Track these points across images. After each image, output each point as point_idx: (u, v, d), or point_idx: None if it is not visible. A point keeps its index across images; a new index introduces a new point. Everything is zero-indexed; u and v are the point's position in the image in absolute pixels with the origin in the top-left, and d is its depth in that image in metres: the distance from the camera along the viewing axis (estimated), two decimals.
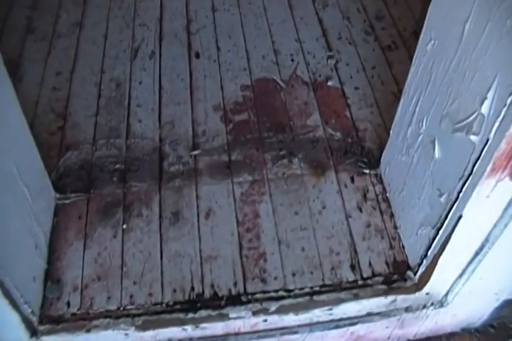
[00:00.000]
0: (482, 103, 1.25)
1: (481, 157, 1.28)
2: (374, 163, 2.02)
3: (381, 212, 1.90)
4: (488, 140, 1.25)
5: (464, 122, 1.34)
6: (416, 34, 2.47)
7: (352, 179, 1.98)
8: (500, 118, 1.20)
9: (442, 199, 1.48)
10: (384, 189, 1.95)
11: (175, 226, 1.84)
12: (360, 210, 1.90)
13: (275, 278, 1.74)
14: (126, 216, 1.87)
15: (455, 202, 1.42)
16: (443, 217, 1.49)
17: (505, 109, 1.17)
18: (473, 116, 1.30)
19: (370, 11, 2.65)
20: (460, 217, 1.40)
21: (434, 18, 1.47)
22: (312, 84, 2.30)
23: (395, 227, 1.86)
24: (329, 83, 2.30)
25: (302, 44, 2.47)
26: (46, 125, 2.14)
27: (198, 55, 2.41)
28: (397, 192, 1.85)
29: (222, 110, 2.19)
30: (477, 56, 1.27)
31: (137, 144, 2.07)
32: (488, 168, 1.26)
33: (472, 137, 1.30)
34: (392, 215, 1.88)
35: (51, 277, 1.73)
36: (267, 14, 2.62)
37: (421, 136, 1.60)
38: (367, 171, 2.00)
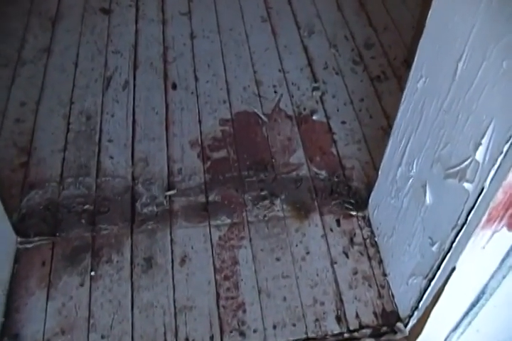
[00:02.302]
0: (476, 149, 1.24)
1: (476, 206, 1.26)
2: (362, 204, 2.00)
3: (369, 258, 1.88)
4: (483, 188, 1.23)
5: (457, 168, 1.33)
6: (407, 63, 2.49)
7: (338, 222, 1.97)
8: (496, 167, 1.18)
9: (434, 248, 1.46)
10: (372, 232, 1.93)
11: (147, 274, 1.81)
12: (347, 256, 1.88)
13: (254, 331, 1.71)
14: (95, 262, 1.83)
15: (448, 252, 1.40)
16: (435, 267, 1.47)
17: (501, 156, 1.16)
18: (467, 162, 1.28)
19: (359, 39, 2.67)
20: (454, 269, 1.38)
21: (425, 54, 1.47)
22: (296, 118, 2.29)
23: (384, 274, 1.83)
24: (314, 117, 2.30)
25: (286, 74, 2.47)
26: (8, 160, 2.10)
27: (174, 86, 2.40)
28: (386, 237, 1.83)
29: (199, 146, 2.17)
30: (471, 98, 1.26)
31: (108, 183, 2.04)
32: (484, 219, 1.24)
33: (466, 184, 1.29)
34: (380, 261, 1.86)
35: (8, 331, 1.67)
36: (249, 42, 2.63)
37: (411, 179, 1.59)
38: (354, 213, 1.99)
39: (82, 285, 1.78)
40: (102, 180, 2.05)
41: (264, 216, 1.97)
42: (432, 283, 1.50)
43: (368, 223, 1.96)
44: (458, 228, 1.34)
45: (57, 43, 2.58)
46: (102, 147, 2.16)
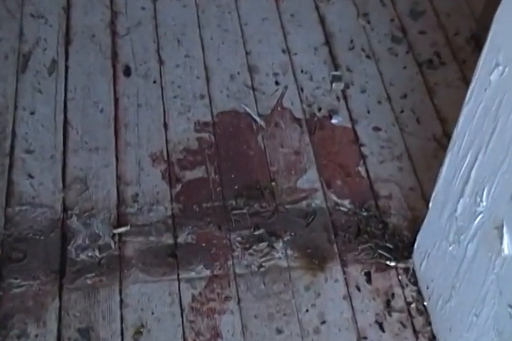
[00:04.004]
0: None
1: None
2: (403, 250, 2.01)
3: (415, 332, 1.87)
4: None
5: None
6: (476, 41, 2.48)
7: (368, 276, 1.96)
8: None
9: None
10: (420, 293, 1.93)
11: None
12: (382, 328, 1.87)
13: None
14: (0, 337, 1.80)
15: None
16: None
17: None
18: None
19: (402, 4, 2.69)
20: None
21: (506, 28, 1.46)
22: (307, 122, 2.30)
23: None
24: (334, 120, 2.31)
25: (293, 57, 2.49)
26: None
27: (128, 71, 2.41)
28: (441, 302, 1.82)
29: (165, 162, 2.17)
30: None
31: (25, 215, 2.03)
32: None
33: None
34: (433, 337, 1.86)
35: None
36: (239, 8, 2.65)
37: (479, 217, 1.59)
38: (392, 264, 1.99)
39: None
40: (14, 211, 2.05)
41: (260, 266, 1.97)
42: None
43: (414, 279, 1.96)
44: None
45: None
46: (15, 160, 2.16)
